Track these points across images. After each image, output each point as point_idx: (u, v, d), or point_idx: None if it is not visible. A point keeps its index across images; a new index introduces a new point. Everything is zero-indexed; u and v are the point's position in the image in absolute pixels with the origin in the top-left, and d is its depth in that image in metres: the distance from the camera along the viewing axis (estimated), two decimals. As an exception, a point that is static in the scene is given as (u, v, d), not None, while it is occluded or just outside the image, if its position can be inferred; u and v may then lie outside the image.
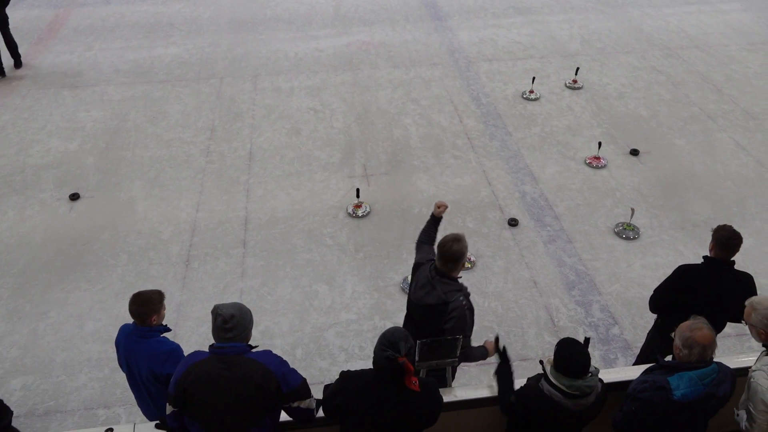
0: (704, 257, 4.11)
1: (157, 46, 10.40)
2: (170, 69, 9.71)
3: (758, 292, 4.04)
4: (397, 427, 3.09)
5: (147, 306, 3.59)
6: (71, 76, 9.54)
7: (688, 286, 4.11)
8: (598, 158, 7.42)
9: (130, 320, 5.57)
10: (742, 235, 4.07)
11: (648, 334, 4.68)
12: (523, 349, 5.29)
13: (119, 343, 3.74)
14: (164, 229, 6.57)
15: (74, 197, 6.98)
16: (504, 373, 3.66)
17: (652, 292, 4.35)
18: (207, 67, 9.75)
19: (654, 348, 4.54)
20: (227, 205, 6.90)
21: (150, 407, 3.85)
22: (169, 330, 3.69)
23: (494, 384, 3.74)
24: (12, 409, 3.46)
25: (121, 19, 11.37)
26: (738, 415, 3.55)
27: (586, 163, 7.43)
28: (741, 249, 4.07)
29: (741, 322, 4.14)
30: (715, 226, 4.10)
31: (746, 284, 4.04)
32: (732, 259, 4.04)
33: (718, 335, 3.46)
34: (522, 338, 5.40)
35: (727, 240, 3.97)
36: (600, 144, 7.41)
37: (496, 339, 3.88)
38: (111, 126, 8.30)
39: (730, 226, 4.02)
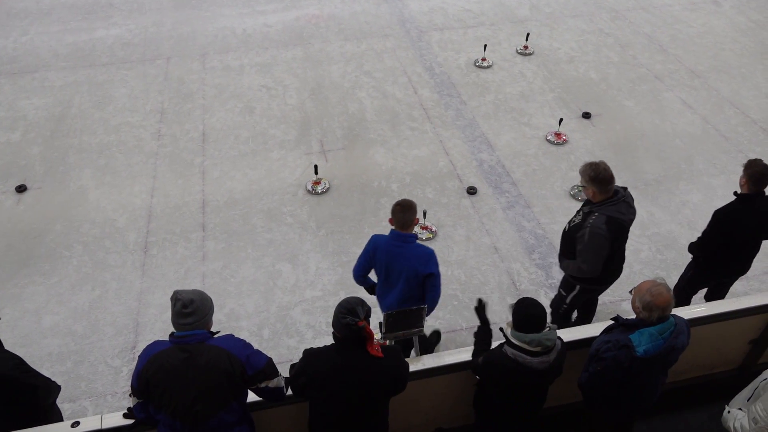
0: (735, 193, 4.24)
1: (98, 28, 9.99)
2: (113, 51, 9.36)
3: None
4: (366, 395, 3.13)
5: (410, 212, 3.90)
6: (7, 62, 9.10)
7: (729, 228, 4.26)
8: (559, 134, 7.40)
9: (91, 314, 5.45)
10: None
11: (687, 273, 4.84)
12: (488, 315, 5.33)
13: (378, 248, 4.05)
14: (119, 217, 6.40)
15: (21, 189, 6.73)
16: (481, 335, 3.75)
17: (696, 240, 4.53)
18: (152, 48, 9.43)
19: (695, 286, 4.79)
20: (183, 189, 6.75)
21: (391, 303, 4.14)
22: (418, 237, 3.95)
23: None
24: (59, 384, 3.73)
25: (57, 1, 10.86)
26: (729, 412, 3.46)
27: (547, 140, 7.37)
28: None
29: None
30: (746, 162, 4.20)
31: None
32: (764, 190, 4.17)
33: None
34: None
35: (761, 176, 4.10)
36: (561, 120, 7.40)
37: (480, 302, 3.92)
38: (55, 113, 7.98)
39: (761, 161, 4.13)
